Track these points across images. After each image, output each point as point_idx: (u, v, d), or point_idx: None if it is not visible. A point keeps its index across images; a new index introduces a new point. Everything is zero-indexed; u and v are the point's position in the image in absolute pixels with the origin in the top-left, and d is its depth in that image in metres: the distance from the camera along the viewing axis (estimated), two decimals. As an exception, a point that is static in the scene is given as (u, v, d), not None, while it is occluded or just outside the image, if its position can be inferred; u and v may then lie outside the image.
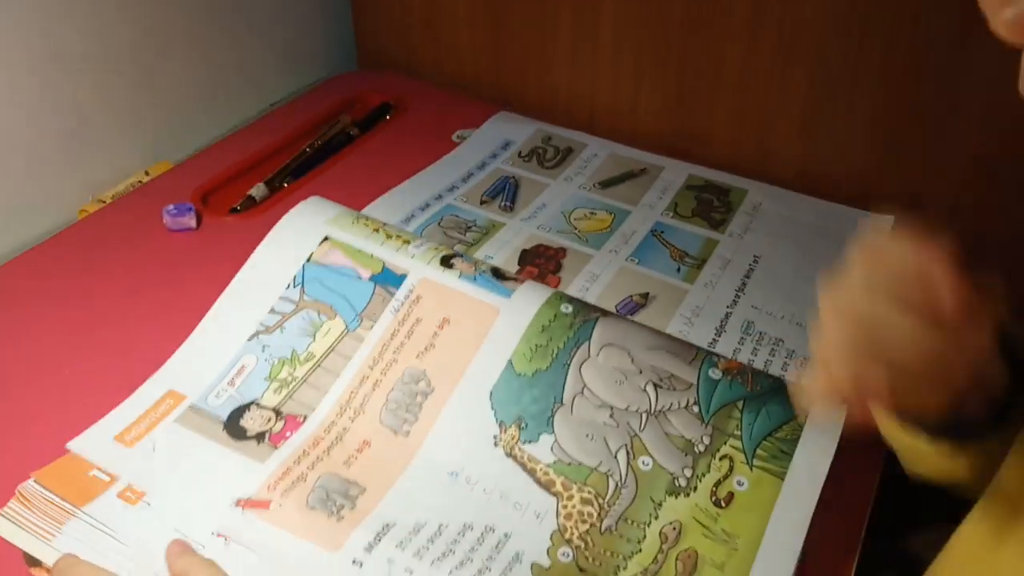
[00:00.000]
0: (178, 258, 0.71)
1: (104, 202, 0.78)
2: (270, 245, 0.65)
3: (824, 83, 0.78)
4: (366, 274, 0.63)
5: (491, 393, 0.56)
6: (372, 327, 0.60)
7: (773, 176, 0.83)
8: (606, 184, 0.82)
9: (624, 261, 0.72)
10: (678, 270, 0.70)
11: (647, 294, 0.68)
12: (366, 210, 0.76)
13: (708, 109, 0.87)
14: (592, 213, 0.78)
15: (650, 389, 0.56)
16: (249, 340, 0.59)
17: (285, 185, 0.81)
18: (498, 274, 0.62)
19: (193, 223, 0.74)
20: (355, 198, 0.76)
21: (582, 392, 0.56)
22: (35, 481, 0.50)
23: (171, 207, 0.74)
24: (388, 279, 0.62)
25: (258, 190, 0.79)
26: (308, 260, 0.63)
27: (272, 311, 0.61)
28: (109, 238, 0.73)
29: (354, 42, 1.06)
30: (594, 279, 0.70)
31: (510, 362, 0.57)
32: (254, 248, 0.69)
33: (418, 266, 0.62)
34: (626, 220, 0.77)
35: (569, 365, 0.57)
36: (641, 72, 0.89)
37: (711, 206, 0.79)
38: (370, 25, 1.04)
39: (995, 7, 0.27)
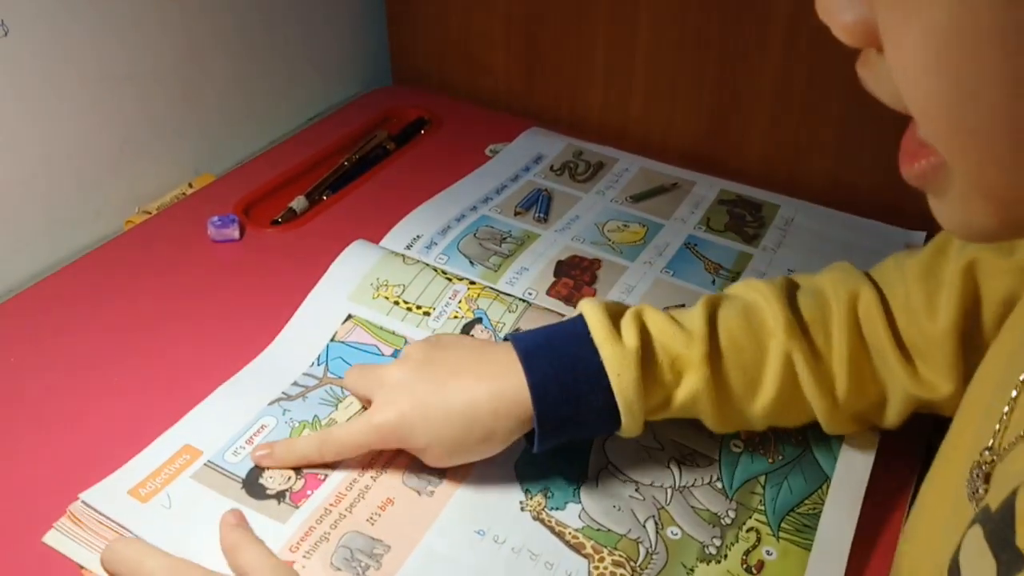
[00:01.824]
0: (222, 268, 0.71)
1: (149, 213, 0.78)
2: (301, 317, 0.64)
3: (857, 103, 0.78)
4: (388, 350, 0.61)
5: (516, 464, 0.54)
6: None
7: (806, 193, 0.80)
8: (638, 198, 0.80)
9: (659, 273, 0.70)
10: (713, 282, 0.69)
11: (683, 306, 0.68)
12: (404, 222, 0.75)
13: (741, 130, 0.85)
14: (625, 225, 0.76)
15: (673, 466, 0.54)
16: (270, 405, 0.57)
17: (324, 198, 0.80)
18: None
19: (236, 234, 0.74)
20: (392, 211, 0.77)
21: (607, 467, 0.54)
22: (83, 501, 0.49)
23: (215, 218, 0.74)
24: None
25: (299, 203, 0.78)
26: (332, 339, 0.63)
27: (295, 383, 0.59)
28: (155, 248, 0.73)
29: (389, 58, 1.04)
30: (630, 290, 0.68)
31: None
32: (295, 259, 0.71)
33: None
34: (659, 233, 0.75)
35: (592, 443, 0.56)
36: (676, 93, 0.86)
37: (744, 221, 0.76)
38: (406, 42, 1.02)
39: (834, 12, 0.28)
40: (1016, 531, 0.28)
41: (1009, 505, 0.29)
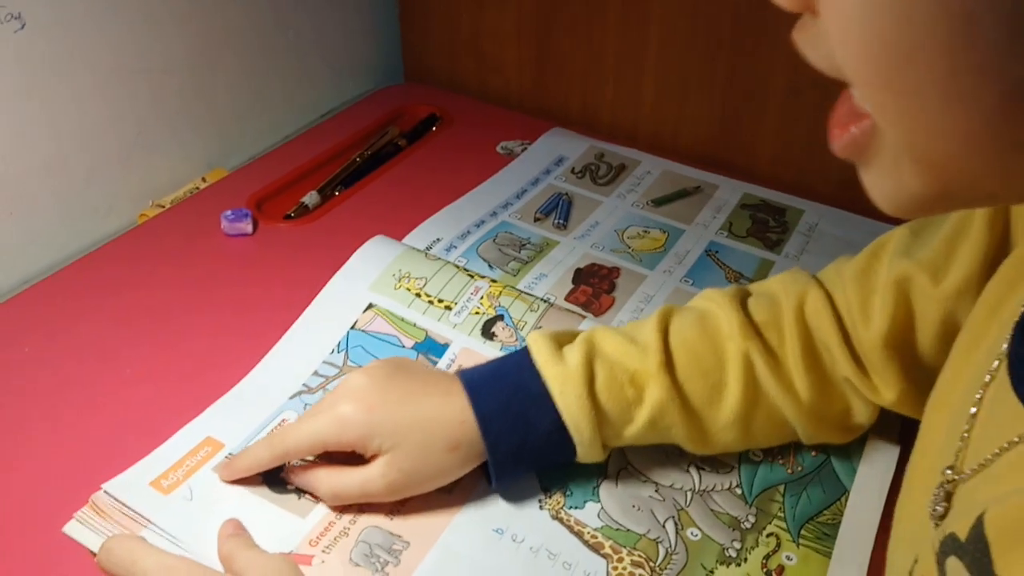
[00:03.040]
0: (235, 262, 0.73)
1: (163, 207, 0.80)
2: (320, 305, 0.65)
3: None
4: (409, 343, 0.63)
5: None
6: None
7: (815, 191, 0.82)
8: (659, 202, 0.81)
9: (678, 282, 0.71)
10: None
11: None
12: (424, 225, 0.77)
13: (753, 127, 0.86)
14: (646, 231, 0.77)
15: (693, 470, 0.55)
16: (291, 398, 0.58)
17: (336, 193, 0.82)
18: None
19: (250, 228, 0.76)
20: (404, 207, 0.79)
21: (626, 467, 0.55)
22: (106, 491, 0.51)
23: (229, 212, 0.75)
24: (431, 348, 0.62)
25: (311, 198, 0.80)
26: (352, 327, 0.64)
27: (316, 373, 0.60)
28: (169, 241, 0.75)
29: (401, 56, 1.06)
30: (648, 300, 0.69)
31: None
32: (307, 254, 0.72)
33: (460, 336, 0.63)
34: (680, 239, 0.75)
35: None
36: (686, 90, 0.88)
37: (767, 226, 0.77)
38: (417, 40, 1.04)
39: None
40: (994, 561, 0.28)
41: (978, 534, 0.30)
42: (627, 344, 0.52)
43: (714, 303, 0.54)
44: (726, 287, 0.57)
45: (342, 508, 0.52)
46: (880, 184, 0.30)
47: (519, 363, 0.52)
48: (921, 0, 0.23)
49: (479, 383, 0.52)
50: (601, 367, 0.51)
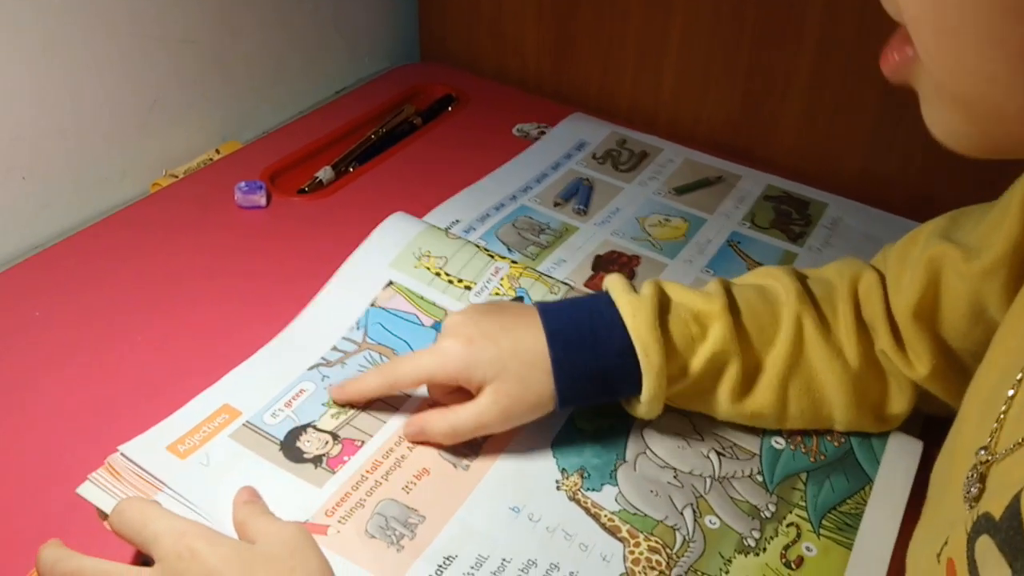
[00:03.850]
0: (248, 233, 0.73)
1: (176, 177, 0.80)
2: (340, 280, 0.66)
3: (894, 95, 0.80)
4: (428, 321, 0.63)
5: (552, 442, 0.55)
6: None
7: (835, 183, 0.82)
8: (681, 190, 0.81)
9: (699, 272, 0.71)
10: None
11: None
12: (443, 207, 0.77)
13: (773, 117, 0.86)
14: (667, 220, 0.77)
15: (713, 456, 0.55)
16: (309, 370, 0.59)
17: (351, 169, 0.83)
18: None
19: (263, 201, 0.76)
20: (418, 186, 0.80)
21: (645, 452, 0.55)
22: (123, 454, 0.50)
23: (243, 184, 0.76)
24: None
25: (325, 173, 0.81)
26: (372, 305, 0.64)
27: (335, 348, 0.60)
28: (181, 211, 0.75)
29: (418, 34, 1.07)
30: None
31: (571, 417, 0.57)
32: (321, 229, 0.73)
33: None
34: (701, 228, 0.76)
35: (630, 428, 0.57)
36: (708, 78, 0.88)
37: (790, 218, 0.78)
38: (435, 18, 1.05)
39: None
40: None
41: (1014, 512, 0.30)
42: (691, 290, 0.56)
43: (771, 277, 0.57)
44: (783, 266, 0.59)
45: (358, 481, 0.52)
46: (928, 113, 0.33)
47: (595, 295, 0.56)
48: None
49: (554, 307, 0.55)
50: (670, 304, 0.54)
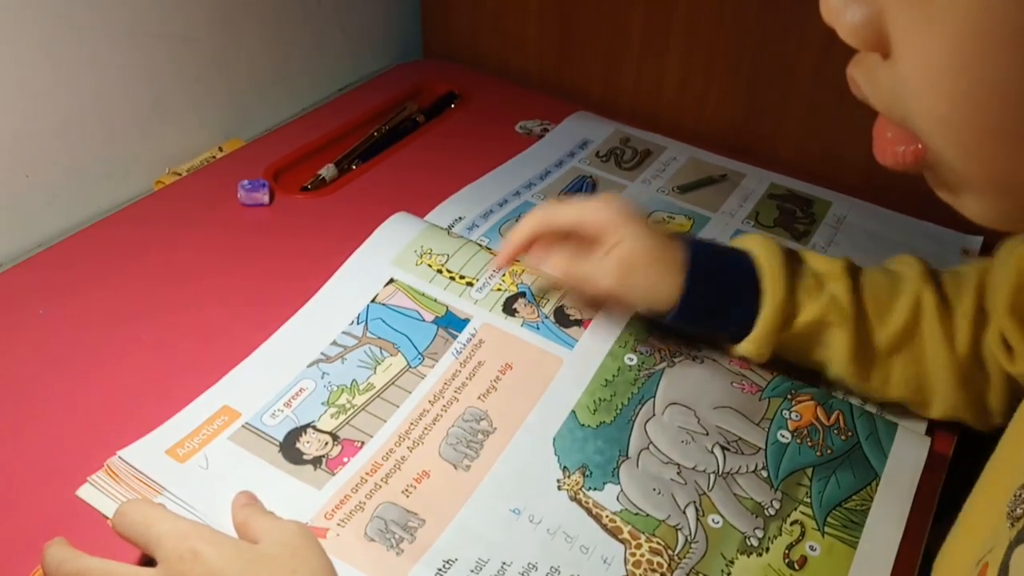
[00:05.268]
0: (251, 231, 0.73)
1: (180, 175, 0.80)
2: (342, 277, 0.66)
3: None
4: (429, 317, 0.63)
5: (554, 440, 0.55)
6: (434, 365, 0.59)
7: (840, 181, 0.82)
8: (685, 189, 0.81)
9: None
10: None
11: None
12: (447, 203, 0.77)
13: (777, 115, 0.86)
14: (671, 218, 0.77)
15: (717, 451, 0.55)
16: (309, 366, 0.58)
17: (354, 167, 0.83)
18: (561, 319, 0.62)
19: (266, 199, 0.76)
20: (421, 184, 0.80)
21: (648, 448, 0.55)
22: (121, 458, 0.50)
23: (246, 182, 0.76)
24: (451, 323, 0.62)
25: (328, 171, 0.81)
26: (373, 300, 0.64)
27: (334, 343, 0.60)
28: (184, 209, 0.75)
29: (420, 31, 1.07)
30: None
31: (573, 412, 0.57)
32: (324, 227, 0.74)
33: (481, 312, 0.63)
34: (706, 227, 0.76)
35: (634, 422, 0.56)
36: (712, 75, 0.88)
37: (794, 217, 0.77)
38: (438, 15, 1.04)
39: (840, 11, 0.29)
40: None
41: None
42: (816, 255, 0.59)
43: (901, 262, 0.59)
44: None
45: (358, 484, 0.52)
46: (954, 200, 0.31)
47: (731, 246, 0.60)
48: (1020, 38, 0.24)
49: (698, 241, 0.61)
50: (797, 256, 0.59)
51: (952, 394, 0.55)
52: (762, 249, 0.58)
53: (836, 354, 0.57)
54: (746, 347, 0.57)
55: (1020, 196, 0.29)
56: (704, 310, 0.58)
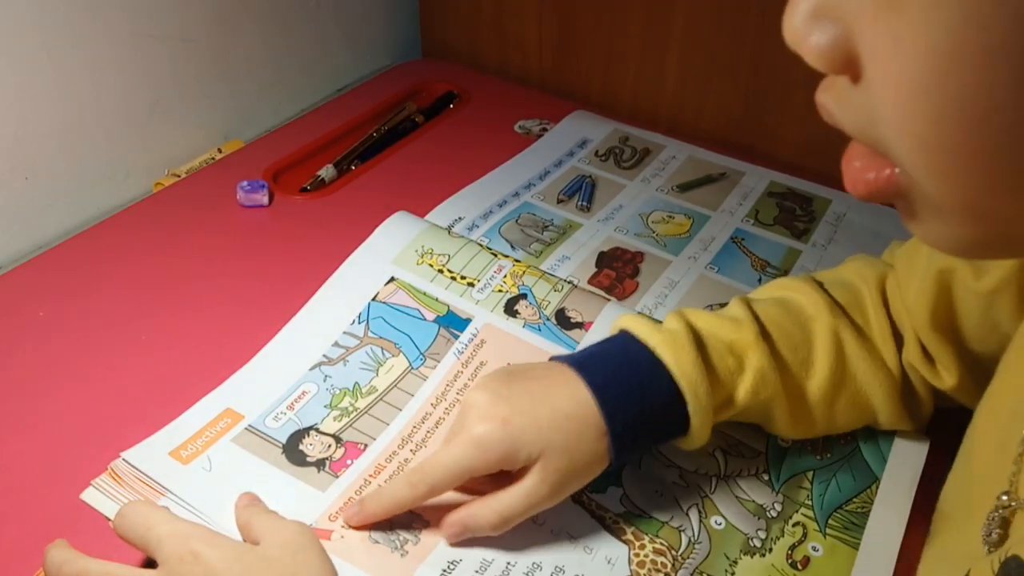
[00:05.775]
0: (251, 233, 0.73)
1: (179, 176, 0.80)
2: (342, 277, 0.66)
3: None
4: (431, 316, 0.63)
5: None
6: (436, 367, 0.59)
7: (839, 179, 0.86)
8: (684, 187, 0.81)
9: (703, 269, 0.71)
10: (759, 280, 0.69)
11: (722, 305, 0.70)
12: (446, 204, 0.77)
13: (777, 113, 0.86)
14: (670, 216, 0.77)
15: (719, 455, 0.55)
16: (311, 370, 0.59)
17: (353, 168, 0.83)
18: (563, 321, 0.63)
19: (265, 200, 0.76)
20: (421, 184, 0.80)
21: (650, 451, 0.55)
22: (125, 460, 0.51)
23: (245, 183, 0.76)
24: (452, 322, 0.62)
25: (327, 171, 0.81)
26: (373, 299, 0.64)
27: (336, 344, 0.61)
28: (185, 210, 0.76)
29: (419, 31, 1.07)
30: (673, 286, 0.69)
31: None
32: (323, 227, 0.73)
33: (483, 312, 0.63)
34: (705, 225, 0.76)
35: None
36: (711, 74, 0.88)
37: (794, 215, 0.77)
38: (437, 15, 1.04)
39: (804, 35, 0.28)
40: None
41: None
42: (718, 318, 0.52)
43: (790, 289, 0.55)
44: (799, 275, 0.58)
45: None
46: (920, 229, 0.30)
47: (620, 340, 0.51)
48: (998, 57, 0.23)
49: (586, 360, 0.50)
50: (704, 339, 0.51)
51: (895, 410, 0.54)
52: (671, 352, 0.50)
53: (777, 422, 0.54)
54: (684, 444, 0.52)
55: (991, 222, 0.28)
56: (639, 446, 0.52)
